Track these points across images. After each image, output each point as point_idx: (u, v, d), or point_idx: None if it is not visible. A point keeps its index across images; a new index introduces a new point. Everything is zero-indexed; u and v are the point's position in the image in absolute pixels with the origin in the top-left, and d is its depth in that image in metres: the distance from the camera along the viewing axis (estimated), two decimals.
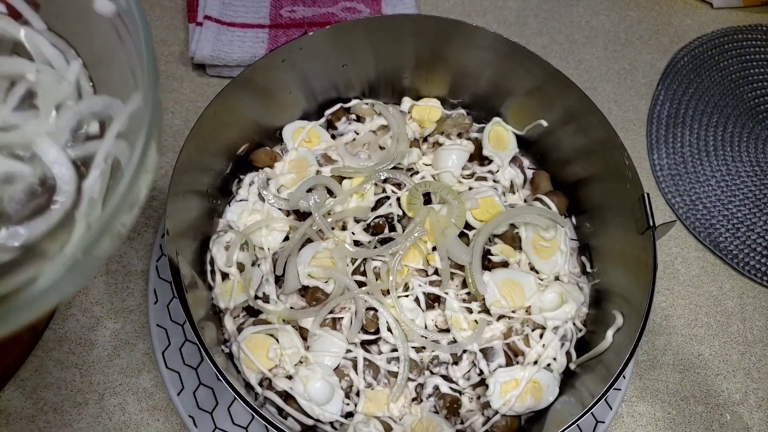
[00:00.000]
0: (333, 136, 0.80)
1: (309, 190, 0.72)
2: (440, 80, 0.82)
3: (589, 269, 0.75)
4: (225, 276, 0.69)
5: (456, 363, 0.66)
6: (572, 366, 0.68)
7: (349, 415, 0.63)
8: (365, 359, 0.65)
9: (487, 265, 0.70)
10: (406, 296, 0.68)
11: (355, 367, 0.64)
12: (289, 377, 0.63)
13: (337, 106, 0.80)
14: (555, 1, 1.06)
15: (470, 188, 0.75)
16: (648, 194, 0.63)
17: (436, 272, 0.70)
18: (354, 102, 0.81)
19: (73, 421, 0.68)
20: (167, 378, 0.68)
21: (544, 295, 0.68)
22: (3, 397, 0.67)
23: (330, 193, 0.73)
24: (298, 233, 0.70)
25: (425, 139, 0.82)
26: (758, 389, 0.78)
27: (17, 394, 0.68)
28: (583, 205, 0.77)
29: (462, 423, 0.65)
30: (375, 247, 0.69)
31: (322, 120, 0.80)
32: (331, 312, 0.66)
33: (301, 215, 0.73)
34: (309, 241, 0.70)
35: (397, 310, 0.66)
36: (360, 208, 0.72)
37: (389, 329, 0.65)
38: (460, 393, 0.65)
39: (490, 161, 0.77)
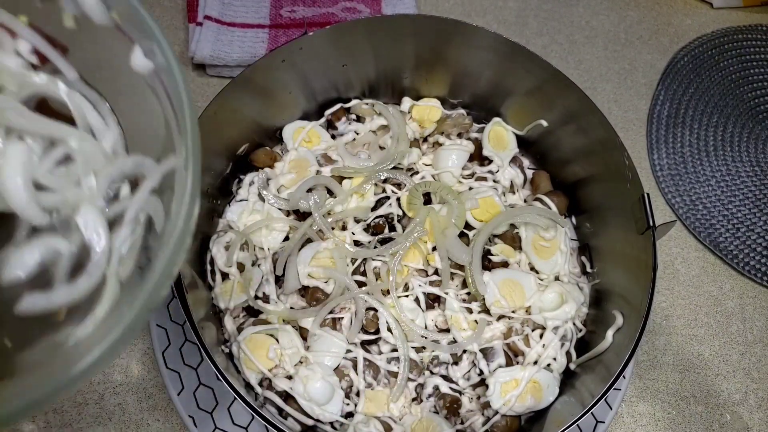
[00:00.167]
0: (333, 136, 0.80)
1: (309, 190, 0.72)
2: (440, 80, 0.82)
3: (589, 269, 0.75)
4: (225, 276, 0.69)
5: (456, 363, 0.66)
6: (572, 366, 0.68)
7: (349, 415, 0.63)
8: (365, 359, 0.65)
9: (487, 265, 0.70)
10: (406, 296, 0.68)
11: (355, 367, 0.64)
12: (289, 377, 0.63)
13: (337, 106, 0.80)
14: (555, 1, 1.06)
15: (470, 188, 0.75)
16: (648, 194, 0.63)
17: (436, 272, 0.70)
18: (354, 102, 0.81)
19: (73, 421, 0.68)
20: (167, 378, 0.68)
21: (544, 295, 0.68)
22: None
23: (330, 193, 0.73)
24: (298, 233, 0.70)
25: (425, 139, 0.82)
26: (758, 389, 0.78)
27: None
28: (583, 205, 0.77)
29: (462, 423, 0.65)
30: (375, 247, 0.69)
31: (322, 120, 0.80)
32: (331, 312, 0.66)
33: (301, 215, 0.73)
34: (309, 241, 0.70)
35: (397, 310, 0.66)
36: (360, 208, 0.72)
37: (389, 329, 0.65)
38: (460, 393, 0.65)
39: (490, 161, 0.77)
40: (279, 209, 0.73)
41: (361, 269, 0.69)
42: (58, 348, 0.37)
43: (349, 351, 0.65)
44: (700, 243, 0.87)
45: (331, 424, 0.62)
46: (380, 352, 0.66)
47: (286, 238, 0.71)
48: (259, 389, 0.63)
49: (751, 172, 0.92)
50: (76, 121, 0.42)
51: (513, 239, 0.73)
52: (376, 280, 0.68)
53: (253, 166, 0.77)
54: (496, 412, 0.63)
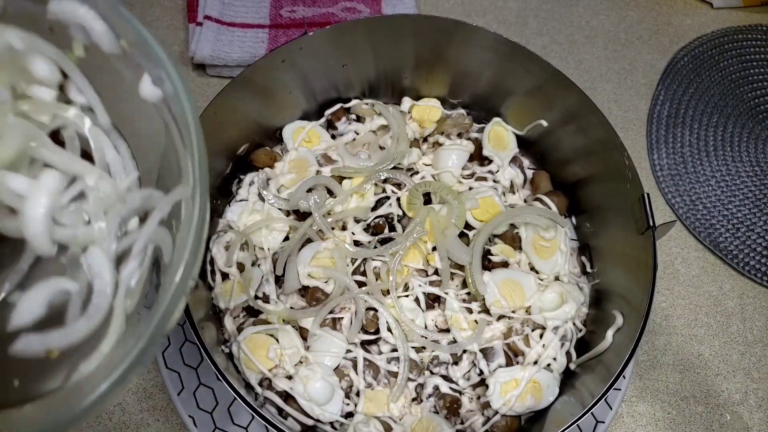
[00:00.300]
0: (333, 136, 0.80)
1: (309, 190, 0.72)
2: (440, 80, 0.82)
3: (589, 269, 0.75)
4: (225, 276, 0.69)
5: (456, 363, 0.66)
6: (572, 366, 0.68)
7: (349, 415, 0.63)
8: (365, 359, 0.65)
9: (487, 265, 0.70)
10: (406, 296, 0.68)
11: (355, 367, 0.64)
12: (289, 377, 0.63)
13: (337, 106, 0.80)
14: (555, 1, 1.06)
15: (470, 188, 0.75)
16: (648, 194, 0.63)
17: (436, 272, 0.70)
18: (354, 102, 0.81)
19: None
20: (167, 378, 0.68)
21: (544, 295, 0.68)
22: None
23: (330, 193, 0.73)
24: (298, 233, 0.70)
25: (425, 139, 0.82)
26: (758, 389, 0.78)
27: None
28: (583, 205, 0.77)
29: (462, 423, 0.65)
30: (375, 247, 0.69)
31: (322, 120, 0.80)
32: (331, 312, 0.66)
33: (301, 215, 0.73)
34: (309, 241, 0.70)
35: (397, 310, 0.66)
36: (360, 208, 0.72)
37: (389, 329, 0.65)
38: (460, 393, 0.65)
39: (490, 161, 0.77)
40: (279, 209, 0.73)
41: (361, 269, 0.69)
42: (62, 384, 0.37)
43: (349, 351, 0.65)
44: (700, 243, 0.87)
45: (331, 424, 0.62)
46: (380, 352, 0.66)
47: (286, 238, 0.71)
48: (259, 389, 0.63)
49: (751, 172, 0.92)
50: (95, 159, 0.42)
51: (513, 239, 0.73)
52: (376, 280, 0.68)
53: (253, 166, 0.77)
54: (496, 412, 0.63)
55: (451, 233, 0.69)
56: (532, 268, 0.72)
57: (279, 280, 0.69)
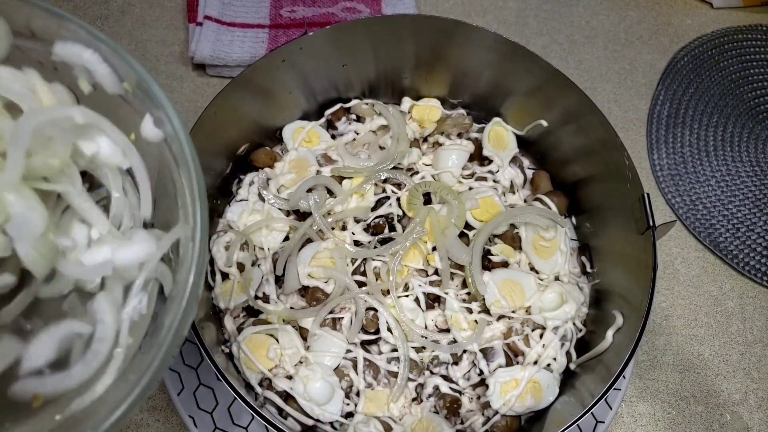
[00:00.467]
0: (333, 136, 0.80)
1: (309, 190, 0.72)
2: (440, 80, 0.82)
3: (589, 269, 0.75)
4: (225, 276, 0.69)
5: (456, 363, 0.66)
6: (572, 366, 0.68)
7: (349, 415, 0.63)
8: (365, 359, 0.65)
9: (487, 265, 0.70)
10: (406, 296, 0.68)
11: (355, 367, 0.64)
12: (289, 377, 0.63)
13: (337, 106, 0.80)
14: (555, 1, 1.06)
15: (470, 188, 0.75)
16: (648, 194, 0.63)
17: (436, 272, 0.70)
18: (354, 102, 0.81)
19: None
20: (167, 378, 0.68)
21: (544, 295, 0.68)
22: None
23: (330, 193, 0.73)
24: (298, 233, 0.70)
25: (425, 139, 0.82)
26: (758, 389, 0.78)
27: None
28: (583, 205, 0.77)
29: (462, 423, 0.65)
30: (375, 247, 0.69)
31: (322, 120, 0.80)
32: (331, 312, 0.66)
33: (301, 215, 0.73)
34: (309, 241, 0.70)
35: (397, 310, 0.66)
36: (360, 208, 0.72)
37: (389, 329, 0.65)
38: (460, 393, 0.65)
39: (490, 161, 0.77)
40: (279, 209, 0.73)
41: (361, 269, 0.69)
42: (50, 417, 0.38)
43: (349, 351, 0.65)
44: (700, 243, 0.87)
45: (331, 424, 0.62)
46: (380, 352, 0.66)
47: (286, 238, 0.71)
48: (259, 389, 0.63)
49: (751, 172, 0.92)
50: (112, 199, 0.44)
51: (513, 239, 0.73)
52: (376, 280, 0.68)
53: (253, 166, 0.77)
54: (496, 412, 0.63)
55: (451, 233, 0.69)
56: (532, 268, 0.72)
57: (279, 280, 0.69)
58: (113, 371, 0.38)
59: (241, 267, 0.69)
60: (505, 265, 0.71)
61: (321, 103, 0.81)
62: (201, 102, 0.89)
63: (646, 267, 0.62)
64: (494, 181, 0.76)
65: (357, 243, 0.71)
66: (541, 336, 0.67)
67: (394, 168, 0.75)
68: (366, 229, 0.72)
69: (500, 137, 0.80)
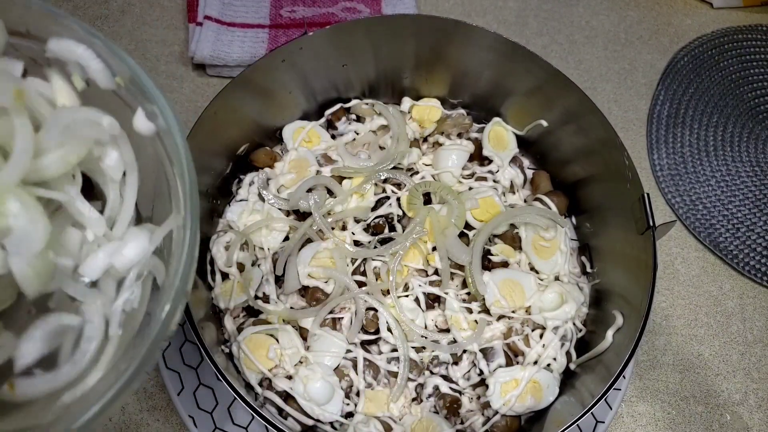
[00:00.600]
0: (333, 136, 0.80)
1: (309, 190, 0.72)
2: (440, 80, 0.82)
3: (589, 269, 0.75)
4: (225, 276, 0.69)
5: (456, 363, 0.66)
6: (572, 366, 0.68)
7: (349, 415, 0.63)
8: (365, 359, 0.65)
9: (487, 265, 0.70)
10: (406, 296, 0.68)
11: (355, 367, 0.64)
12: (289, 377, 0.63)
13: (337, 106, 0.80)
14: (555, 1, 1.06)
15: (470, 188, 0.75)
16: (648, 194, 0.63)
17: (436, 272, 0.70)
18: (354, 102, 0.81)
19: None
20: (167, 378, 0.68)
21: (544, 295, 0.68)
22: None
23: (330, 193, 0.73)
24: (298, 233, 0.70)
25: (425, 139, 0.82)
26: (758, 389, 0.78)
27: None
28: (583, 205, 0.77)
29: (462, 423, 0.65)
30: (375, 247, 0.69)
31: (322, 120, 0.80)
32: (331, 312, 0.66)
33: (301, 215, 0.73)
34: (309, 241, 0.70)
35: (397, 310, 0.66)
36: (360, 208, 0.72)
37: (389, 329, 0.65)
38: (460, 393, 0.65)
39: (490, 161, 0.77)
40: (279, 209, 0.73)
41: (361, 269, 0.69)
42: (40, 410, 0.38)
43: (349, 351, 0.65)
44: (700, 243, 0.87)
45: (331, 424, 0.62)
46: (380, 352, 0.66)
47: (286, 238, 0.71)
48: (259, 389, 0.63)
49: (751, 172, 0.92)
50: (108, 198, 0.44)
51: (513, 239, 0.73)
52: (376, 280, 0.68)
53: (253, 166, 0.77)
54: (496, 412, 0.63)
55: (451, 233, 0.69)
56: (532, 268, 0.72)
57: (279, 280, 0.69)
58: (104, 364, 0.39)
59: (241, 267, 0.69)
60: (505, 265, 0.71)
61: (321, 103, 0.81)
62: (201, 102, 0.89)
63: (646, 267, 0.62)
64: (494, 181, 0.76)
65: (357, 243, 0.71)
66: (541, 336, 0.67)
67: (394, 168, 0.75)
68: (366, 229, 0.72)
69: (500, 137, 0.80)
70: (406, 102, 0.82)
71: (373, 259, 0.69)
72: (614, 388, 0.62)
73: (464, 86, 0.81)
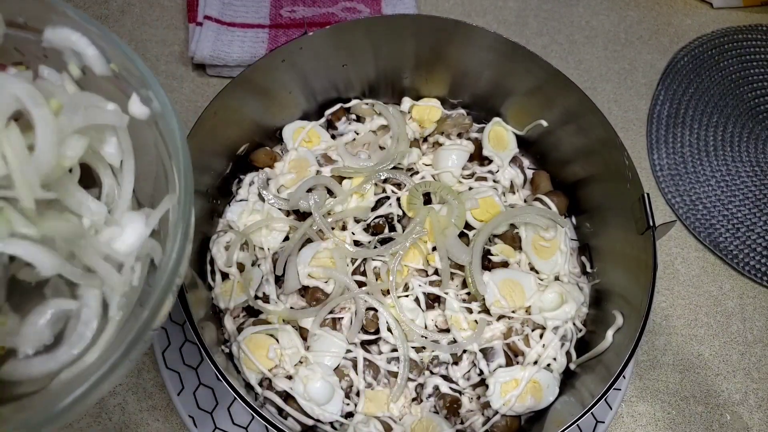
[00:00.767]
0: (333, 136, 0.80)
1: (309, 190, 0.72)
2: (440, 80, 0.82)
3: (589, 269, 0.75)
4: (225, 276, 0.69)
5: (456, 363, 0.66)
6: (572, 366, 0.68)
7: (349, 415, 0.63)
8: (365, 359, 0.65)
9: (487, 265, 0.70)
10: (406, 296, 0.68)
11: (355, 367, 0.64)
12: (289, 377, 0.63)
13: (337, 106, 0.80)
14: (555, 1, 1.06)
15: (470, 188, 0.75)
16: (648, 194, 0.63)
17: (436, 272, 0.70)
18: (354, 102, 0.81)
19: (73, 421, 0.68)
20: (167, 378, 0.68)
21: (544, 295, 0.68)
22: None
23: (330, 193, 0.73)
24: (298, 233, 0.70)
25: (425, 139, 0.82)
26: (758, 389, 0.78)
27: None
28: (583, 205, 0.77)
29: (462, 423, 0.65)
30: (375, 247, 0.69)
31: (322, 120, 0.80)
32: (331, 312, 0.66)
33: (301, 215, 0.73)
34: (309, 241, 0.70)
35: (397, 310, 0.66)
36: (360, 208, 0.72)
37: (389, 329, 0.65)
38: (460, 393, 0.65)
39: (490, 161, 0.77)
40: (279, 209, 0.73)
41: (361, 269, 0.69)
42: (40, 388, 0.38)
43: (349, 351, 0.65)
44: (700, 243, 0.87)
45: (331, 424, 0.62)
46: (380, 352, 0.66)
47: (286, 238, 0.71)
48: (259, 389, 0.63)
49: (751, 172, 0.92)
50: (103, 185, 0.45)
51: (513, 239, 0.73)
52: (376, 280, 0.68)
53: (253, 166, 0.77)
54: (496, 412, 0.63)
55: (451, 233, 0.69)
56: (532, 268, 0.72)
57: (279, 280, 0.69)
58: (102, 344, 0.39)
59: (241, 267, 0.69)
60: (505, 265, 0.71)
61: (321, 103, 0.81)
62: (201, 102, 0.89)
63: (646, 267, 0.62)
64: (494, 181, 0.76)
65: (357, 243, 0.71)
66: (541, 336, 0.67)
67: (394, 168, 0.75)
68: (366, 229, 0.72)
69: (500, 137, 0.80)
70: (406, 102, 0.82)
71: (373, 259, 0.69)
72: (614, 388, 0.62)
73: (464, 86, 0.81)
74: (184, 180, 0.39)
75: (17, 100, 0.37)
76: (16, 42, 0.43)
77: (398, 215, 0.72)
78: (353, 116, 0.81)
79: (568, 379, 0.67)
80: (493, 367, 0.65)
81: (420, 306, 0.68)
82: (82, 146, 0.40)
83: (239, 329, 0.66)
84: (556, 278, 0.72)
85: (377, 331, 0.66)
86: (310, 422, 0.62)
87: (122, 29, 0.95)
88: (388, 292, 0.67)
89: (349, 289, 0.67)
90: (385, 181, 0.74)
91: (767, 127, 0.96)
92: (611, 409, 0.71)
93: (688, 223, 0.87)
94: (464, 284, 0.69)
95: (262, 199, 0.73)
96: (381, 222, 0.72)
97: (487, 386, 0.64)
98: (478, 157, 0.79)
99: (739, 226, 0.87)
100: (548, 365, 0.66)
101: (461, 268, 0.69)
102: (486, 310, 0.68)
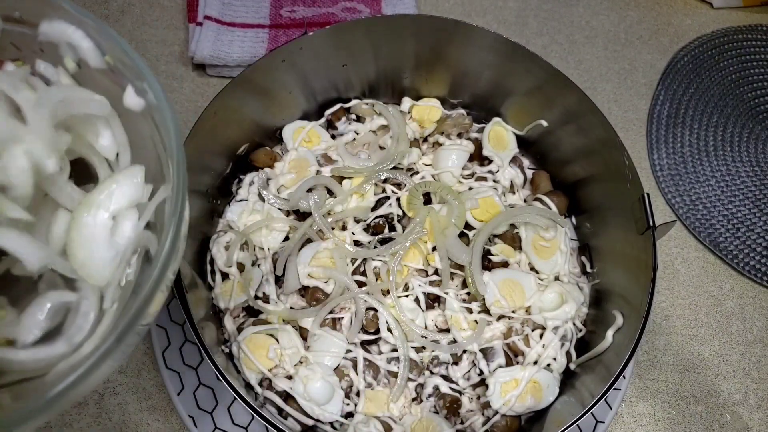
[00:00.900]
0: (333, 136, 0.80)
1: (309, 190, 0.72)
2: (440, 80, 0.82)
3: (589, 269, 0.75)
4: (225, 276, 0.69)
5: (456, 363, 0.66)
6: (572, 366, 0.68)
7: (349, 415, 0.63)
8: (365, 359, 0.65)
9: (487, 265, 0.70)
10: (406, 296, 0.68)
11: (355, 367, 0.64)
12: (289, 377, 0.63)
13: (337, 106, 0.80)
14: (555, 1, 1.06)
15: (470, 188, 0.75)
16: (648, 194, 0.63)
17: (436, 272, 0.70)
18: (354, 102, 0.81)
19: (73, 421, 0.68)
20: (167, 378, 0.68)
21: (544, 295, 0.68)
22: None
23: (330, 193, 0.73)
24: (298, 233, 0.70)
25: (425, 139, 0.82)
26: (758, 389, 0.78)
27: None
28: (583, 205, 0.77)
29: (462, 423, 0.65)
30: (375, 247, 0.69)
31: (322, 120, 0.80)
32: (331, 312, 0.66)
33: (301, 215, 0.73)
34: (309, 241, 0.70)
35: (397, 310, 0.66)
36: (360, 208, 0.72)
37: (389, 329, 0.65)
38: (460, 393, 0.65)
39: (490, 161, 0.77)
40: (279, 209, 0.73)
41: (361, 269, 0.69)
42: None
43: (349, 351, 0.65)
44: (700, 243, 0.87)
45: (331, 424, 0.62)
46: (380, 352, 0.66)
47: (286, 238, 0.71)
48: (259, 389, 0.63)
49: (751, 172, 0.92)
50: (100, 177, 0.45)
51: (513, 239, 0.73)
52: (376, 280, 0.68)
53: (253, 166, 0.77)
54: (496, 412, 0.63)
55: (451, 233, 0.69)
56: (532, 268, 0.72)
57: (279, 280, 0.69)
58: (99, 335, 0.39)
59: (241, 267, 0.69)
60: (505, 265, 0.71)
61: (321, 103, 0.81)
62: (201, 102, 0.89)
63: (646, 267, 0.62)
64: (494, 181, 0.76)
65: (357, 243, 0.71)
66: (541, 336, 0.67)
67: (394, 168, 0.75)
68: (366, 229, 0.72)
69: (500, 137, 0.80)
70: (406, 102, 0.82)
71: (373, 259, 0.69)
72: (614, 388, 0.62)
73: (464, 86, 0.81)
74: (178, 168, 0.39)
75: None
76: (12, 37, 0.43)
77: (398, 215, 0.72)
78: (353, 116, 0.81)
79: (568, 379, 0.67)
80: (493, 367, 0.65)
81: (420, 306, 0.68)
82: (66, 141, 0.40)
83: (239, 329, 0.66)
84: (556, 278, 0.72)
85: (377, 331, 0.66)
86: (310, 422, 0.62)
87: (122, 29, 0.95)
88: (388, 292, 0.67)
89: (349, 289, 0.67)
90: (385, 181, 0.74)
91: (767, 127, 0.96)
92: (611, 409, 0.71)
93: (688, 223, 0.87)
94: (464, 284, 0.69)
95: (262, 199, 0.73)
96: (381, 222, 0.72)
97: (487, 386, 0.64)
98: (478, 157, 0.79)
99: (739, 226, 0.87)
100: (548, 365, 0.66)
101: (461, 268, 0.69)
102: (486, 310, 0.68)
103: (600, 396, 0.56)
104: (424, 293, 0.68)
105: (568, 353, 0.68)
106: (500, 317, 0.68)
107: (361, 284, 0.68)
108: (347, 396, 0.64)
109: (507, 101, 0.80)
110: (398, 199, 0.73)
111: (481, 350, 0.66)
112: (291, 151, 0.76)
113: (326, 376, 0.62)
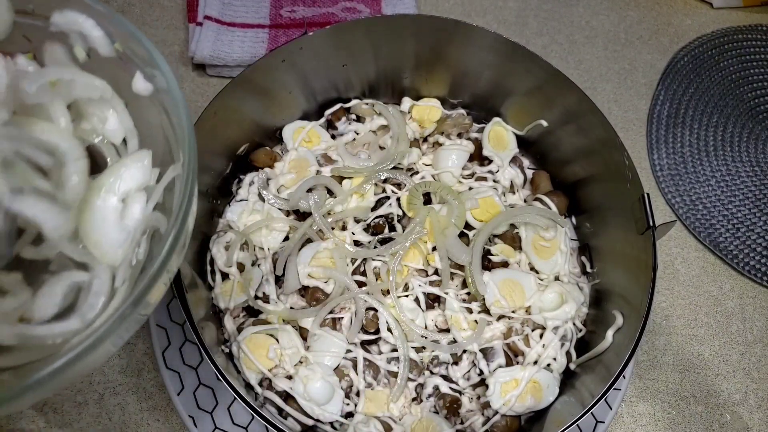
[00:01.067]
0: (333, 136, 0.80)
1: (309, 190, 0.72)
2: (440, 80, 0.82)
3: (589, 269, 0.75)
4: (225, 276, 0.69)
5: (456, 363, 0.66)
6: (572, 366, 0.68)
7: (349, 415, 0.63)
8: (365, 359, 0.65)
9: (487, 265, 0.70)
10: (406, 296, 0.68)
11: (355, 367, 0.64)
12: (289, 377, 0.63)
13: (337, 106, 0.80)
14: (555, 1, 1.06)
15: (470, 188, 0.75)
16: (648, 194, 0.63)
17: (436, 272, 0.70)
18: (354, 102, 0.81)
19: (73, 421, 0.68)
20: (167, 378, 0.68)
21: (544, 295, 0.68)
22: None
23: (330, 193, 0.73)
24: (298, 233, 0.70)
25: (425, 139, 0.82)
26: (758, 389, 0.78)
27: None
28: (583, 205, 0.77)
29: (462, 423, 0.65)
30: (375, 247, 0.69)
31: (322, 120, 0.80)
32: (331, 312, 0.66)
33: (301, 215, 0.73)
34: (309, 241, 0.70)
35: (397, 310, 0.66)
36: (360, 208, 0.72)
37: (389, 329, 0.65)
38: (460, 393, 0.65)
39: (490, 161, 0.77)
40: (279, 209, 0.73)
41: (361, 269, 0.69)
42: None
43: (349, 351, 0.65)
44: (700, 243, 0.87)
45: (331, 424, 0.62)
46: (380, 352, 0.66)
47: (286, 238, 0.71)
48: (259, 389, 0.63)
49: (751, 172, 0.92)
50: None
51: (513, 239, 0.73)
52: (376, 280, 0.68)
53: (253, 166, 0.77)
54: (496, 412, 0.63)
55: (451, 233, 0.69)
56: (532, 268, 0.72)
57: (279, 280, 0.69)
58: (110, 312, 0.40)
59: (241, 267, 0.69)
60: (505, 265, 0.71)
61: (321, 103, 0.81)
62: (201, 102, 0.89)
63: (646, 267, 0.62)
64: (494, 181, 0.76)
65: (357, 243, 0.71)
66: (541, 336, 0.67)
67: (394, 168, 0.75)
68: (366, 229, 0.72)
69: (500, 137, 0.80)
70: (406, 102, 0.82)
71: (373, 259, 0.69)
72: (614, 388, 0.62)
73: (464, 86, 0.81)
74: (188, 145, 0.40)
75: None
76: (24, 29, 0.44)
77: (398, 215, 0.72)
78: (353, 116, 0.81)
79: (568, 379, 0.67)
80: (493, 367, 0.65)
81: (420, 306, 0.68)
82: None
83: (239, 329, 0.66)
84: (556, 278, 0.72)
85: (377, 331, 0.66)
86: (310, 422, 0.62)
87: None
88: (388, 292, 0.67)
89: (349, 289, 0.67)
90: (385, 181, 0.74)
91: (767, 127, 0.96)
92: (611, 409, 0.71)
93: (688, 223, 0.87)
94: (464, 284, 0.69)
95: (262, 199, 0.73)
96: (381, 222, 0.72)
97: (487, 386, 0.64)
98: (478, 157, 0.79)
99: (739, 226, 0.87)
100: (548, 365, 0.66)
101: (461, 268, 0.69)
102: (486, 310, 0.68)
103: (600, 396, 0.56)
104: (424, 293, 0.68)
105: (568, 353, 0.68)
106: (500, 317, 0.68)
107: (361, 284, 0.68)
108: (347, 396, 0.64)
109: (507, 101, 0.80)
110: (398, 199, 0.73)
111: (481, 350, 0.66)
112: (291, 151, 0.76)
113: (326, 376, 0.62)
